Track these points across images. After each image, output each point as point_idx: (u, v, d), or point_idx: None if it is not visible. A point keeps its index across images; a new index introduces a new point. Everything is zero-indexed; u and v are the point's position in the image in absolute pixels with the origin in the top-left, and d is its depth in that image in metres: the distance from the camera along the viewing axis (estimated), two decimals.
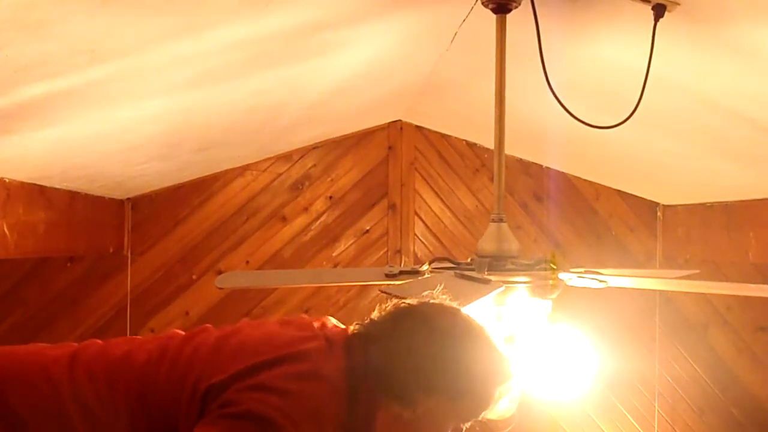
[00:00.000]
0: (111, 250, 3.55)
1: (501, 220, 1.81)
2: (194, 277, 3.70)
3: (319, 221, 3.74)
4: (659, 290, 3.63)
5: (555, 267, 1.69)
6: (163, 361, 1.40)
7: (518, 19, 1.78)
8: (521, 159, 3.74)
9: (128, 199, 3.65)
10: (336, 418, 1.33)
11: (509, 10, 1.80)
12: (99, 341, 1.51)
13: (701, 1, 1.64)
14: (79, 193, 3.04)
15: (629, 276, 2.01)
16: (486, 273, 1.63)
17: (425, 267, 1.80)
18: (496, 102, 1.83)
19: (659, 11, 1.65)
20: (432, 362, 1.38)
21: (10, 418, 1.34)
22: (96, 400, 1.36)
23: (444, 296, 1.47)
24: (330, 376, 1.35)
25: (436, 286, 1.50)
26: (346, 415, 1.34)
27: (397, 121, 3.74)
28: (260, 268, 3.68)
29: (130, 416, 1.35)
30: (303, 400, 1.29)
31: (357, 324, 1.49)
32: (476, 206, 3.77)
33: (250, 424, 1.26)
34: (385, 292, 1.54)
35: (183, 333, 1.51)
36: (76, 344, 1.50)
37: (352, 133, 3.73)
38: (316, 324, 1.50)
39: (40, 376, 1.39)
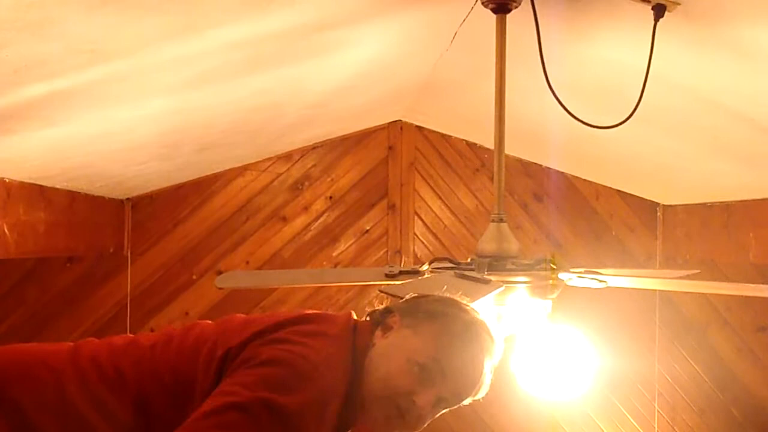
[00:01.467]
0: (111, 250, 3.55)
1: (501, 220, 1.81)
2: (194, 277, 3.70)
3: (319, 221, 3.74)
4: (659, 290, 3.63)
5: (555, 267, 1.69)
6: (169, 344, 1.44)
7: (518, 19, 1.78)
8: (521, 159, 3.73)
9: (128, 199, 3.65)
10: (345, 369, 1.40)
11: (509, 10, 1.80)
12: (97, 339, 1.52)
13: (701, 1, 1.64)
14: (79, 193, 3.04)
15: (629, 276, 2.01)
16: (486, 273, 1.63)
17: (425, 267, 1.80)
18: (496, 102, 1.83)
19: (659, 11, 1.65)
20: (423, 314, 1.49)
21: (13, 413, 1.34)
22: (102, 383, 1.37)
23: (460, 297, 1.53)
24: (336, 334, 1.44)
25: (435, 286, 1.52)
26: (351, 365, 1.42)
27: (397, 121, 3.74)
28: (260, 268, 3.68)
29: (140, 394, 1.36)
30: (317, 351, 1.37)
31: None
32: (476, 206, 3.77)
33: (276, 369, 1.31)
34: (385, 292, 1.54)
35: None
36: (72, 342, 1.51)
37: (352, 133, 3.73)
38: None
39: (40, 367, 1.40)
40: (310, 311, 1.51)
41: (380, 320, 1.52)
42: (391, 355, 1.44)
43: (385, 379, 1.41)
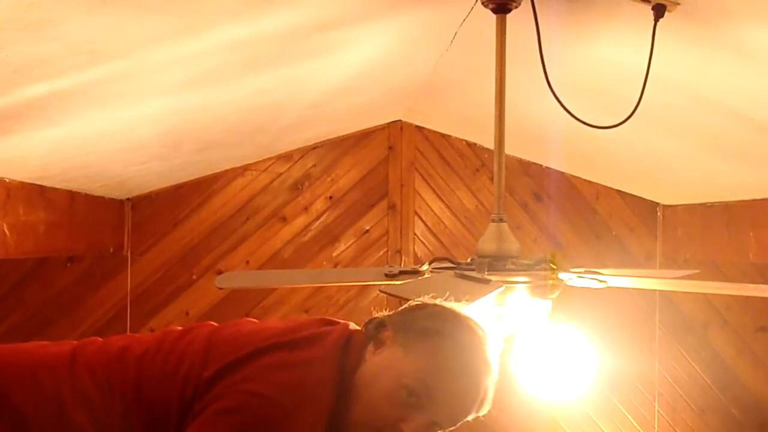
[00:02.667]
0: (111, 250, 3.55)
1: (501, 220, 1.81)
2: (194, 277, 3.70)
3: (319, 221, 3.74)
4: (659, 290, 3.63)
5: (555, 267, 1.69)
6: (158, 354, 1.41)
7: (518, 19, 1.78)
8: (521, 159, 3.73)
9: (128, 199, 3.65)
10: (330, 393, 1.33)
11: (509, 10, 1.80)
12: (99, 339, 1.51)
13: (701, 1, 1.64)
14: (79, 193, 3.04)
15: (629, 276, 2.00)
16: (486, 273, 1.62)
17: (425, 267, 1.80)
18: (496, 102, 1.83)
19: (659, 11, 1.66)
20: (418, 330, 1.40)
21: (12, 415, 1.34)
22: (97, 394, 1.37)
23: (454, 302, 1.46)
24: (323, 356, 1.36)
25: (435, 286, 1.50)
26: (337, 388, 1.34)
27: (397, 121, 3.74)
28: (260, 268, 3.68)
29: (125, 409, 1.35)
30: (292, 389, 1.29)
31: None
32: (476, 206, 3.77)
33: (242, 418, 1.26)
34: (385, 292, 1.53)
35: (181, 328, 1.52)
36: (76, 342, 1.50)
37: (352, 133, 3.73)
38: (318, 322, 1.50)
39: (42, 372, 1.39)
40: (299, 332, 1.41)
41: (374, 334, 1.44)
42: (379, 376, 1.36)
43: (371, 403, 1.34)
